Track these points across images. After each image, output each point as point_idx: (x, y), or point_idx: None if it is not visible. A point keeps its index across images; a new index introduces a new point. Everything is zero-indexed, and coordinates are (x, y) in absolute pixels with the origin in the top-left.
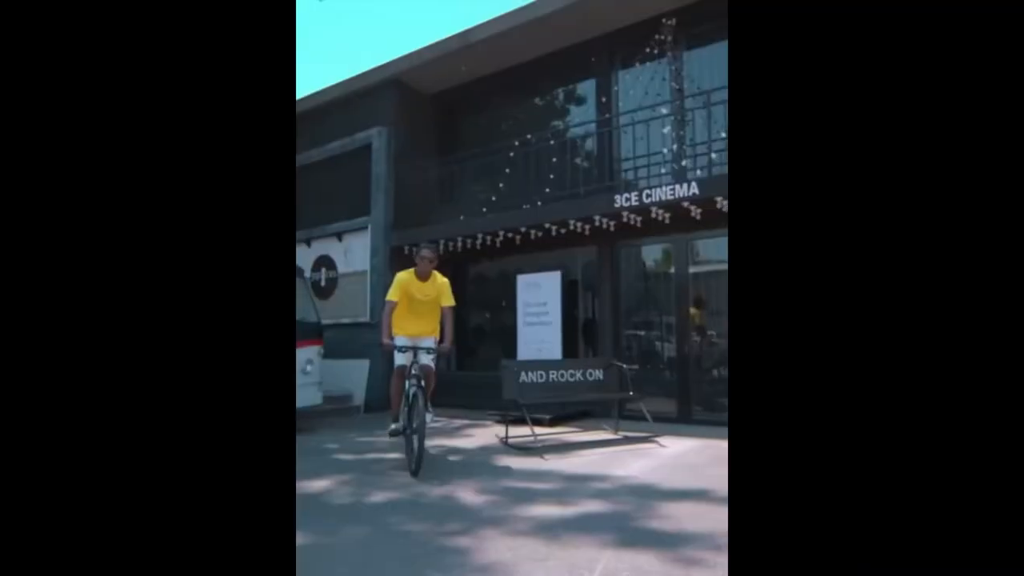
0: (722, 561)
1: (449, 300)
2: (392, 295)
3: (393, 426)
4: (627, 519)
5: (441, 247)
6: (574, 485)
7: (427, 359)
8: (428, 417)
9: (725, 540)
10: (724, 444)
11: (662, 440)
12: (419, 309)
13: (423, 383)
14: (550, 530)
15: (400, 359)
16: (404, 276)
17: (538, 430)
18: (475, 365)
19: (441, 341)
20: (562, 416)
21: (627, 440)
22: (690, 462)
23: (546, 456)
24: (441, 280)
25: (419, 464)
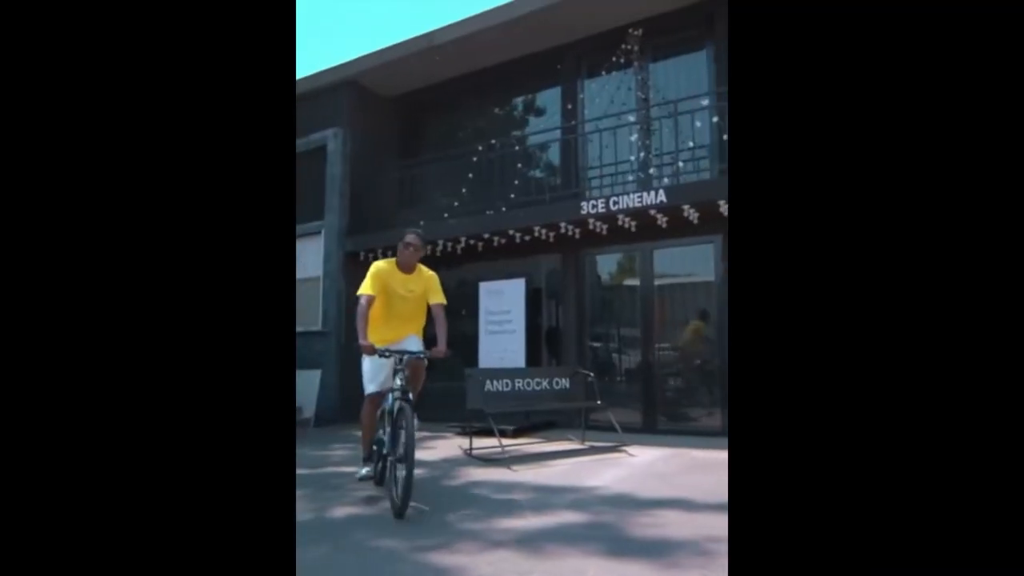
0: (712, 566)
1: (439, 297)
2: (368, 288)
3: (364, 471)
4: (608, 529)
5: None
6: (547, 496)
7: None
8: (416, 423)
9: (711, 547)
10: (692, 453)
11: (630, 449)
12: (400, 309)
13: (410, 394)
14: (530, 542)
15: (372, 384)
16: (383, 267)
17: (503, 441)
18: (434, 375)
19: (432, 345)
20: (525, 427)
21: (594, 450)
22: (660, 471)
23: (514, 467)
24: (428, 273)
25: (406, 502)
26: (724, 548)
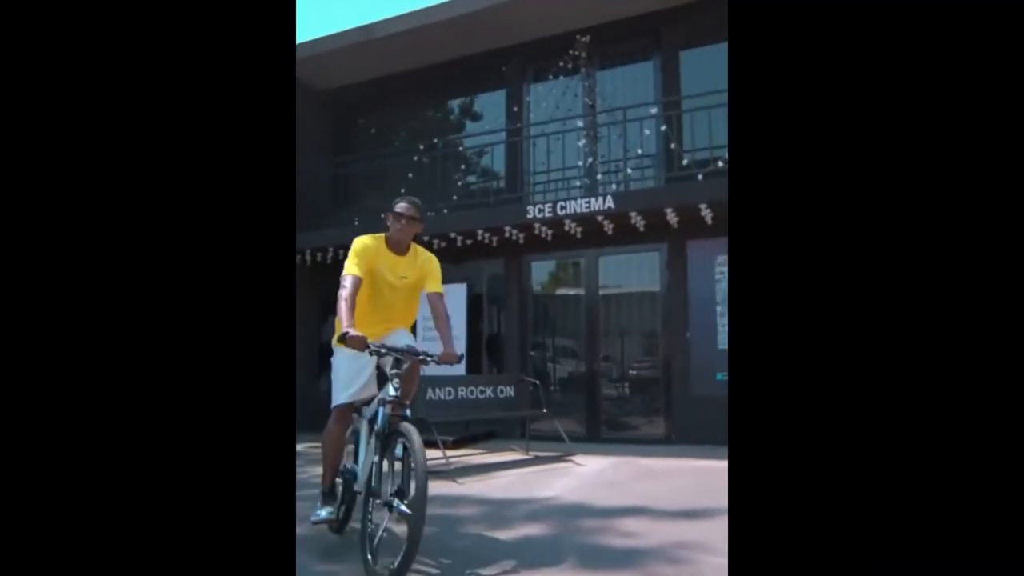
0: (687, 574)
1: (438, 285)
2: (354, 268)
3: (323, 512)
4: (572, 540)
5: (331, 255)
6: (500, 509)
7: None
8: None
9: (681, 554)
10: (640, 460)
11: (576, 459)
12: (389, 300)
13: (407, 410)
14: (494, 558)
15: (347, 392)
16: (369, 244)
17: (446, 453)
18: None
19: (426, 347)
20: (466, 438)
21: (540, 460)
22: (611, 479)
23: (459, 480)
24: (425, 256)
25: (406, 565)
26: (694, 555)
